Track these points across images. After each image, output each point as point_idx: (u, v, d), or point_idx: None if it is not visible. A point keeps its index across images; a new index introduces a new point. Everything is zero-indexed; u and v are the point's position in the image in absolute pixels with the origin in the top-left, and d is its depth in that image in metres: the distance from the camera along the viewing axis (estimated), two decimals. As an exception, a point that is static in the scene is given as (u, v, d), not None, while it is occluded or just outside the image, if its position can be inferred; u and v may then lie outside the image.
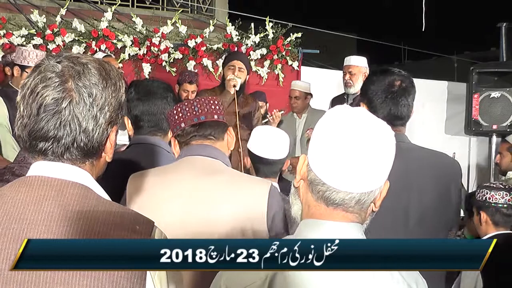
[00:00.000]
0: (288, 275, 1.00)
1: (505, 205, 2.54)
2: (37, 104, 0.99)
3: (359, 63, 4.40)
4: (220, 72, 5.31)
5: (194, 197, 1.62)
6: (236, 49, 5.29)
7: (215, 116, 1.74)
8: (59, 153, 1.02)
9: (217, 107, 1.76)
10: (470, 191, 5.71)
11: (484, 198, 2.58)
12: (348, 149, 1.00)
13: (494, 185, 2.63)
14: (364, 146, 1.00)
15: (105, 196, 1.06)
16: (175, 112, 1.75)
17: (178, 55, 5.11)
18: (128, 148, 2.09)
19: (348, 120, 1.03)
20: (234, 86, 3.59)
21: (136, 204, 1.63)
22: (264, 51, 5.43)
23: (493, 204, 2.55)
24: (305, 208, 1.11)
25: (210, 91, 3.73)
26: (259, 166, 2.31)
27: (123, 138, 2.53)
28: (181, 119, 1.73)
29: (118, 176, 1.57)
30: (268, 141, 2.32)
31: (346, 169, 1.01)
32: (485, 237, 2.59)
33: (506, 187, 2.60)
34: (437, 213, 1.82)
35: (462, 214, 4.58)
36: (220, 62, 5.31)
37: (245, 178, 1.72)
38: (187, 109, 1.73)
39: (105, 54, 4.29)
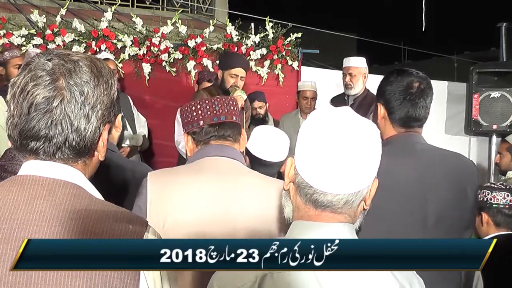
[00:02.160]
0: (277, 277, 1.00)
1: (506, 206, 2.53)
2: (27, 103, 0.97)
3: (358, 64, 4.39)
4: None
5: (221, 196, 1.60)
6: (236, 49, 5.29)
7: (234, 118, 1.74)
8: (50, 152, 1.00)
9: (235, 108, 1.75)
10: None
11: (485, 199, 2.57)
12: (332, 151, 1.00)
13: (496, 186, 2.61)
14: (348, 147, 1.00)
15: (98, 195, 1.05)
16: (193, 108, 1.72)
17: (178, 55, 5.11)
18: None
19: (331, 122, 1.03)
20: (242, 106, 3.56)
21: (160, 203, 1.60)
22: (264, 51, 5.42)
23: (494, 205, 2.54)
24: (295, 210, 1.11)
25: (208, 92, 3.71)
26: (255, 166, 2.28)
27: None
28: (200, 117, 1.71)
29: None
30: (267, 143, 2.28)
31: (331, 171, 1.00)
32: (486, 238, 2.58)
33: (507, 187, 2.58)
34: (454, 214, 1.81)
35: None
36: (220, 62, 5.31)
37: (269, 179, 1.72)
38: (207, 107, 1.71)
39: (107, 57, 4.29)
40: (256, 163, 2.28)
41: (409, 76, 1.86)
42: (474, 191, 1.91)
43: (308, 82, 4.98)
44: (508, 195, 2.54)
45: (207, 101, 1.72)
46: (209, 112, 1.71)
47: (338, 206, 1.04)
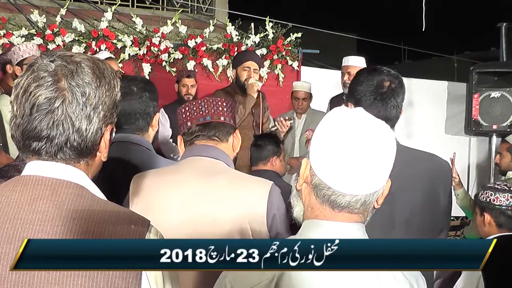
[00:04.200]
0: (295, 275, 1.00)
1: (509, 208, 2.51)
2: (30, 103, 0.99)
3: (357, 63, 4.39)
4: (220, 72, 5.33)
5: (196, 197, 1.62)
6: (236, 49, 5.29)
7: (222, 118, 1.75)
8: (52, 152, 1.01)
9: (225, 109, 1.76)
10: (470, 191, 5.70)
11: (488, 200, 2.56)
12: (351, 152, 1.00)
13: (499, 187, 2.59)
14: (367, 148, 1.01)
15: (101, 195, 1.05)
16: (183, 110, 1.76)
17: (178, 55, 5.11)
18: (111, 145, 2.08)
19: (348, 123, 1.03)
20: (258, 91, 3.58)
21: (139, 204, 1.63)
22: (264, 51, 5.42)
23: (497, 206, 2.53)
24: (307, 210, 1.11)
25: (224, 92, 3.72)
26: None
27: None
28: (188, 118, 1.74)
29: (101, 174, 1.56)
30: None
31: (351, 172, 1.01)
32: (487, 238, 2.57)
33: (511, 188, 2.57)
34: (424, 215, 1.79)
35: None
36: (220, 62, 5.31)
37: (245, 179, 1.72)
38: (194, 108, 1.74)
39: (109, 56, 4.27)
40: None
41: (380, 75, 1.81)
42: (448, 193, 1.89)
43: (300, 83, 4.98)
44: (511, 197, 2.53)
45: (193, 103, 1.76)
46: (195, 113, 1.74)
47: (355, 206, 1.05)
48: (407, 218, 1.76)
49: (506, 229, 2.54)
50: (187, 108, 1.75)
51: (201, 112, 1.73)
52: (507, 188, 2.57)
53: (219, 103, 1.76)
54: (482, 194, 2.62)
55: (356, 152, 1.00)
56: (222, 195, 1.62)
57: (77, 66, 1.02)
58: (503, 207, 2.52)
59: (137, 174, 1.73)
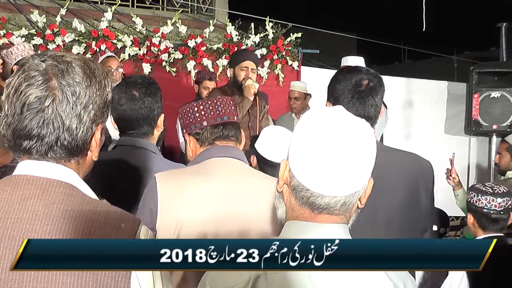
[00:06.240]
0: (271, 278, 1.00)
1: (491, 211, 2.47)
2: (20, 102, 0.99)
3: (356, 63, 4.40)
4: (221, 72, 5.33)
5: (229, 197, 1.61)
6: (236, 49, 5.29)
7: (235, 118, 1.75)
8: (43, 151, 1.01)
9: (235, 108, 1.77)
10: (470, 191, 5.69)
11: (472, 201, 2.53)
12: (329, 152, 0.98)
13: (483, 189, 2.54)
14: (345, 148, 0.98)
15: (92, 194, 1.06)
16: (196, 109, 1.72)
17: (178, 55, 5.11)
18: (114, 148, 2.07)
19: (326, 123, 1.02)
20: (255, 93, 3.57)
21: (172, 204, 1.60)
22: (264, 51, 5.42)
23: (479, 208, 2.49)
24: (288, 212, 1.10)
25: (221, 91, 3.71)
26: (264, 167, 2.28)
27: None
28: (203, 117, 1.71)
29: (103, 176, 1.54)
30: (275, 144, 2.27)
31: (329, 173, 0.99)
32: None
33: (495, 191, 2.51)
34: (404, 215, 1.78)
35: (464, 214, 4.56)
36: (220, 62, 5.31)
37: (273, 180, 1.73)
38: (210, 107, 1.71)
39: (108, 54, 4.26)
40: (263, 164, 2.28)
41: (359, 73, 1.80)
42: (429, 192, 1.87)
43: (294, 82, 5.00)
44: (493, 200, 2.47)
45: (209, 102, 1.72)
46: (212, 113, 1.71)
47: (335, 208, 1.03)
48: (388, 218, 1.75)
49: (490, 231, 2.49)
50: (201, 108, 1.71)
51: (218, 112, 1.70)
52: (491, 191, 2.51)
53: (231, 103, 1.75)
54: (468, 195, 2.59)
55: (333, 152, 0.98)
56: (256, 196, 1.62)
57: (68, 65, 1.02)
58: (484, 210, 2.48)
59: (161, 173, 1.68)
